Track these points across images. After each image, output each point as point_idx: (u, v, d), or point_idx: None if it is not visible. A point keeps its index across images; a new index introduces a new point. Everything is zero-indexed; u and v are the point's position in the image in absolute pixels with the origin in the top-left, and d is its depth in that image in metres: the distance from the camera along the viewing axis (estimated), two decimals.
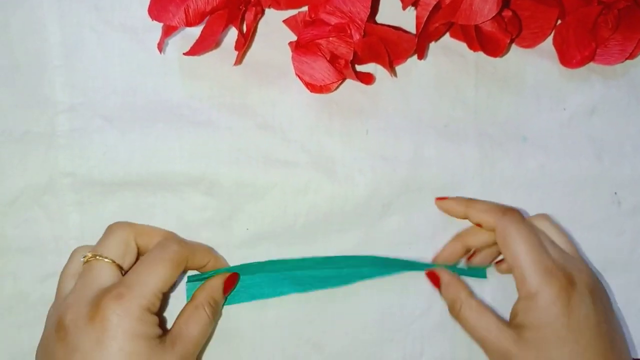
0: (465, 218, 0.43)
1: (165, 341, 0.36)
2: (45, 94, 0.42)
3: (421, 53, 0.43)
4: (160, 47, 0.41)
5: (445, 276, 0.42)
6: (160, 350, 0.35)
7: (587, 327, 0.38)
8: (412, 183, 0.44)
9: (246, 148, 0.43)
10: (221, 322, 0.43)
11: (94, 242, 0.41)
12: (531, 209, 0.45)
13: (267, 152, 0.43)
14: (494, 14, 0.40)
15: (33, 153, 0.42)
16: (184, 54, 0.41)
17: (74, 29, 0.42)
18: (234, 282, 0.41)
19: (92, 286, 0.36)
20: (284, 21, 0.43)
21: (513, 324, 0.39)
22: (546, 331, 0.38)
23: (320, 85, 0.42)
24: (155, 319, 0.36)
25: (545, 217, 0.43)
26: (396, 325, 0.44)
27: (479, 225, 0.42)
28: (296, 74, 0.42)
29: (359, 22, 0.40)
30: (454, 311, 0.41)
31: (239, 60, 0.42)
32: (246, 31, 0.41)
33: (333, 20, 0.41)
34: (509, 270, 0.43)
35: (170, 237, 0.40)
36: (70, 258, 0.39)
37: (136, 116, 0.42)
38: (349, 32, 0.41)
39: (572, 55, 0.45)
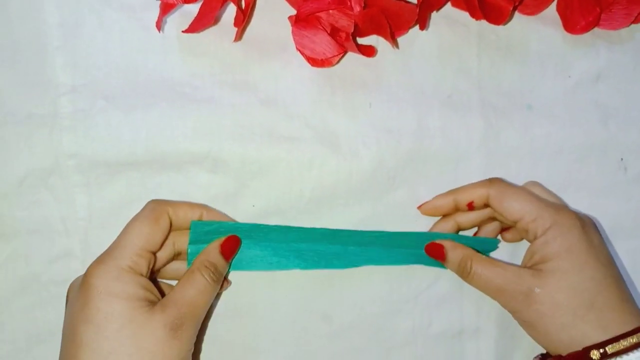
0: (454, 208, 0.43)
1: (157, 303, 0.36)
2: (47, 75, 0.42)
3: (423, 23, 0.43)
4: (159, 25, 0.41)
5: (447, 242, 0.42)
6: (145, 312, 0.35)
7: (602, 252, 0.40)
8: (417, 155, 0.44)
9: (250, 124, 0.43)
10: (231, 296, 0.43)
11: (102, 223, 0.42)
12: (537, 177, 0.45)
13: (270, 128, 0.43)
14: None
15: (37, 135, 0.42)
16: (182, 31, 0.41)
17: (72, 9, 0.42)
18: (233, 245, 0.40)
19: None
20: None
21: (529, 264, 0.41)
22: (567, 258, 0.39)
23: (322, 59, 0.42)
24: (141, 280, 0.36)
25: (535, 182, 0.44)
26: (404, 296, 0.44)
27: (470, 205, 0.42)
28: (297, 49, 0.41)
29: None
30: (465, 271, 0.41)
31: (238, 37, 0.42)
32: (245, 7, 0.41)
33: None
34: (516, 236, 0.43)
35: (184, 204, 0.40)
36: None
37: (138, 95, 0.42)
38: (349, 3, 0.40)
39: (576, 21, 0.45)
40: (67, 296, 0.39)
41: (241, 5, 0.41)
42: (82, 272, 0.42)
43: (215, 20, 0.43)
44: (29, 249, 0.42)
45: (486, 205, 0.43)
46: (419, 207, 0.44)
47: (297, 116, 0.43)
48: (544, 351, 0.41)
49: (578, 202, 0.46)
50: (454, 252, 0.42)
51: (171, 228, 0.39)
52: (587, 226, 0.41)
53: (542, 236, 0.40)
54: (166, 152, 0.42)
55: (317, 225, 0.43)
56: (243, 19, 0.41)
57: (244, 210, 0.43)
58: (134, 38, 0.42)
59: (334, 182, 0.43)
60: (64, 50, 0.42)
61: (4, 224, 0.42)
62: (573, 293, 0.38)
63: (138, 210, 0.41)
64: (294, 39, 0.41)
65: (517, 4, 0.43)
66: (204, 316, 0.39)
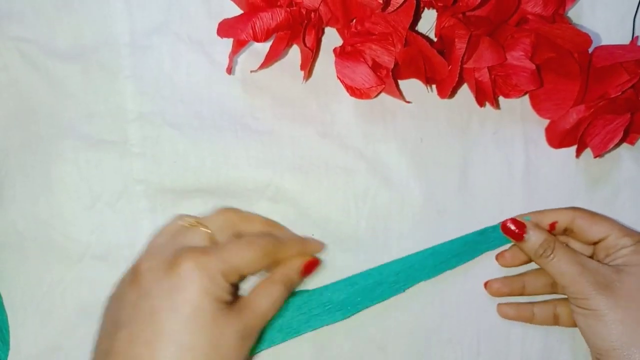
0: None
1: (233, 308, 0.37)
2: (117, 103, 0.43)
3: (444, 92, 0.44)
4: (230, 68, 0.42)
5: (528, 222, 0.43)
6: (225, 314, 0.36)
7: None
8: (464, 189, 0.46)
9: (308, 155, 0.44)
10: None
11: None
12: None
13: (327, 159, 0.45)
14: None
15: (107, 161, 0.43)
16: (251, 71, 0.43)
17: (144, 40, 0.44)
18: (313, 267, 0.41)
19: (180, 244, 0.37)
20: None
21: (612, 264, 0.42)
22: None
23: (361, 90, 0.43)
24: (229, 287, 0.37)
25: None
26: (454, 326, 0.45)
27: (552, 225, 0.44)
28: (337, 77, 0.43)
29: (402, 30, 0.41)
30: (545, 254, 0.42)
31: (306, 77, 0.44)
32: (310, 52, 0.43)
33: (378, 29, 0.42)
34: (516, 260, 0.45)
35: (270, 224, 0.41)
36: (171, 221, 0.40)
37: (203, 125, 0.44)
38: (391, 40, 0.42)
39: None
40: (137, 268, 0.37)
41: (305, 45, 0.43)
42: None
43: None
44: (93, 274, 0.42)
45: (565, 231, 0.44)
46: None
47: (352, 148, 0.45)
48: None
49: None
50: (535, 232, 0.42)
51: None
52: None
53: (632, 247, 0.42)
54: (230, 180, 0.43)
55: (374, 256, 0.44)
56: (308, 63, 0.43)
57: None
58: (200, 70, 0.44)
59: (386, 214, 0.45)
60: (134, 79, 0.43)
61: (70, 248, 0.43)
62: None
63: None
64: (336, 68, 0.43)
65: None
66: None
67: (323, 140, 0.45)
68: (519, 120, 0.47)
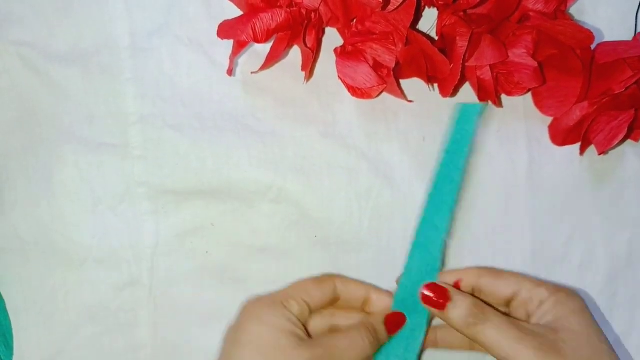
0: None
1: (305, 341, 0.36)
2: (118, 106, 0.43)
3: (446, 91, 0.44)
4: (230, 69, 0.42)
5: (452, 288, 0.39)
6: (292, 344, 0.35)
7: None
8: (468, 188, 0.46)
9: (310, 156, 0.44)
10: None
11: (168, 251, 0.43)
12: (581, 209, 0.47)
13: (329, 160, 0.44)
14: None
15: (109, 164, 0.43)
16: (252, 72, 0.43)
17: (144, 42, 0.44)
18: (396, 321, 0.40)
19: None
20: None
21: (543, 324, 0.38)
22: (579, 319, 0.37)
23: (362, 90, 0.43)
24: (290, 315, 0.37)
25: None
26: None
27: (457, 284, 0.40)
28: (339, 77, 0.43)
29: (402, 29, 0.41)
30: (473, 324, 0.37)
31: (307, 78, 0.44)
32: (311, 52, 0.43)
33: (378, 28, 0.42)
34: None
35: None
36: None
37: (204, 126, 0.44)
38: (392, 39, 0.42)
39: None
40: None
41: (305, 45, 0.43)
42: (149, 300, 0.43)
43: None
44: (96, 277, 0.42)
45: (473, 292, 0.40)
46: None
47: (354, 148, 0.45)
48: None
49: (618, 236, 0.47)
50: (461, 298, 0.38)
51: (339, 300, 0.40)
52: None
53: (551, 298, 0.38)
54: (231, 182, 0.43)
55: (378, 257, 0.44)
56: (309, 63, 0.43)
57: (306, 239, 0.44)
58: (201, 72, 0.44)
59: (390, 214, 0.45)
60: (134, 81, 0.43)
61: (72, 252, 0.43)
62: (592, 351, 0.36)
63: (203, 239, 0.43)
64: (337, 68, 0.43)
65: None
66: None
67: (325, 141, 0.45)
68: (521, 118, 0.47)
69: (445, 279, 0.40)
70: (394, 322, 0.40)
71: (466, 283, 0.40)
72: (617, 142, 0.43)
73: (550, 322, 0.37)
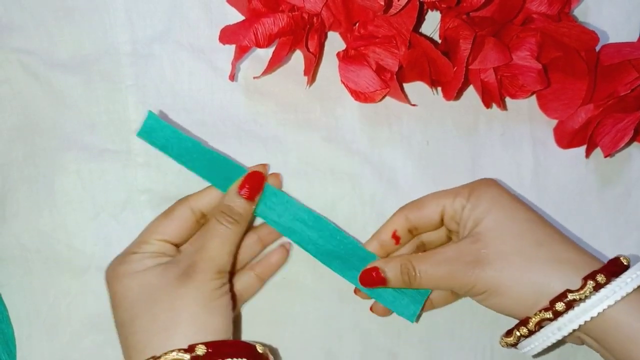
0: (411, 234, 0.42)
1: (171, 262, 0.37)
2: (119, 113, 0.43)
3: (450, 93, 0.44)
4: (232, 74, 0.42)
5: (378, 261, 0.40)
6: (158, 275, 0.36)
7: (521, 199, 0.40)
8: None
9: (313, 161, 0.44)
10: (295, 330, 0.44)
11: None
12: (587, 211, 0.46)
13: (333, 165, 0.44)
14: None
15: (111, 171, 0.43)
16: (254, 77, 0.43)
17: (144, 49, 0.44)
18: (252, 183, 0.39)
19: None
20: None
21: (466, 234, 0.39)
22: (498, 209, 0.39)
23: (365, 94, 0.43)
24: (145, 255, 0.37)
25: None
26: (466, 333, 0.45)
27: (394, 235, 0.41)
28: (341, 81, 0.43)
29: (405, 33, 0.41)
30: (412, 278, 0.38)
31: (310, 83, 0.44)
32: (313, 57, 0.42)
33: (381, 32, 0.42)
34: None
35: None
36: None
37: (207, 132, 0.43)
38: (394, 42, 0.42)
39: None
40: None
41: (308, 49, 0.43)
42: None
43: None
44: (99, 285, 0.41)
45: (412, 233, 0.41)
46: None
47: (357, 153, 0.44)
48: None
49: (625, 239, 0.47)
50: (388, 264, 0.39)
51: (204, 217, 0.40)
52: (500, 182, 0.41)
53: (467, 204, 0.39)
54: None
55: None
56: (312, 68, 0.43)
57: None
58: (202, 78, 0.44)
59: None
60: (136, 88, 0.43)
61: (74, 260, 0.42)
62: (516, 238, 0.37)
63: None
64: (340, 72, 0.42)
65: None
66: (226, 259, 0.37)
67: (328, 145, 0.44)
68: (526, 121, 0.46)
69: (382, 237, 0.41)
70: (250, 185, 0.39)
71: (400, 228, 0.41)
72: (623, 144, 0.43)
73: (472, 230, 0.38)
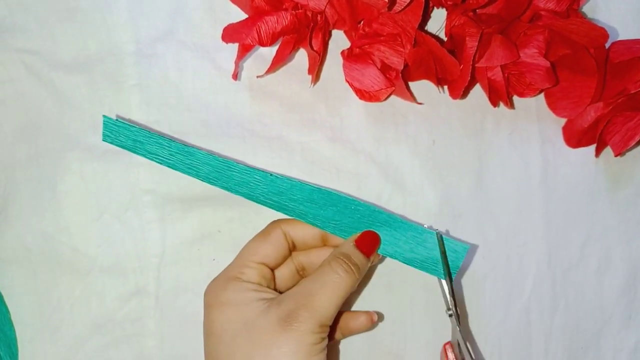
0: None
1: (274, 300, 0.35)
2: (123, 113, 0.43)
3: (466, 92, 0.43)
4: (235, 73, 0.42)
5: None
6: (260, 312, 0.35)
7: None
8: (480, 192, 0.45)
9: (319, 161, 0.43)
10: None
11: (174, 260, 0.42)
12: (597, 212, 0.46)
13: (338, 164, 0.44)
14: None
15: (114, 171, 0.42)
16: (257, 76, 0.43)
17: (148, 48, 0.43)
18: (370, 241, 0.38)
19: None
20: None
21: None
22: None
23: (370, 93, 0.42)
24: (250, 285, 0.36)
25: None
26: (473, 334, 0.44)
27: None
28: (346, 80, 0.42)
29: (410, 30, 0.40)
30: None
31: (314, 81, 0.44)
32: (318, 55, 0.42)
33: (386, 30, 0.41)
34: None
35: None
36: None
37: (211, 132, 0.43)
38: (400, 40, 0.41)
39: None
40: None
41: (311, 48, 0.42)
42: (156, 309, 0.42)
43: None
44: (102, 287, 0.41)
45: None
46: None
47: (362, 152, 0.44)
48: None
49: (636, 239, 0.46)
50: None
51: (295, 246, 0.39)
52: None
53: None
54: None
55: (391, 263, 0.43)
56: (315, 66, 0.42)
57: None
58: (206, 77, 0.43)
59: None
60: (139, 88, 0.43)
61: (77, 262, 0.42)
62: None
63: (209, 246, 0.42)
64: (344, 71, 0.42)
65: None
66: (332, 312, 0.35)
67: (333, 145, 0.44)
68: (534, 120, 0.46)
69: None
70: (367, 241, 0.38)
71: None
72: (634, 143, 0.42)
73: None
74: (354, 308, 0.44)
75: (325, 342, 0.35)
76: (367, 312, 0.40)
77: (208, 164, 0.38)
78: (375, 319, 0.40)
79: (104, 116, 0.38)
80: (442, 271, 0.39)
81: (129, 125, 0.38)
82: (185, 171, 0.39)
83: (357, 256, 0.37)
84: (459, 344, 0.39)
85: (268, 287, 0.37)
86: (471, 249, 0.44)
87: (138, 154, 0.38)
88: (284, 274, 0.39)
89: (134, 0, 0.43)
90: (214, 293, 0.36)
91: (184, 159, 0.38)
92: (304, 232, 0.39)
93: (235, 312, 0.35)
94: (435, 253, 0.39)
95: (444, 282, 0.39)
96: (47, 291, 0.42)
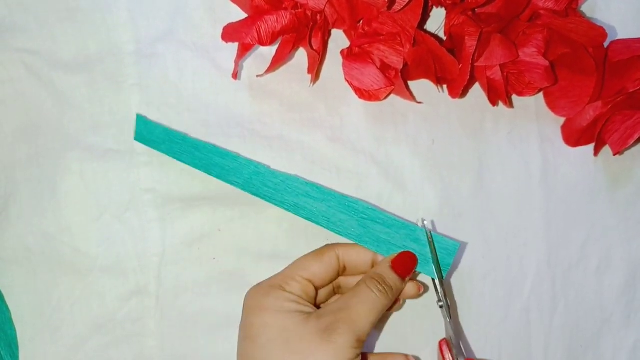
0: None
1: (313, 314, 0.36)
2: (123, 113, 0.43)
3: (465, 91, 0.44)
4: (235, 72, 0.42)
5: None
6: (299, 322, 0.35)
7: None
8: (480, 192, 0.45)
9: (319, 160, 0.44)
10: None
11: (175, 259, 0.42)
12: (596, 212, 0.46)
13: (338, 164, 0.44)
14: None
15: (115, 171, 0.42)
16: (257, 76, 0.43)
17: (148, 48, 0.43)
18: (406, 262, 0.38)
19: None
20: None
21: None
22: None
23: (370, 92, 0.43)
24: (292, 296, 0.36)
25: None
26: (474, 333, 0.44)
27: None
28: (345, 79, 0.42)
29: (410, 29, 0.41)
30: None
31: (313, 81, 0.44)
32: (317, 55, 0.42)
33: (385, 29, 0.42)
34: None
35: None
36: None
37: (211, 132, 0.43)
38: (399, 40, 0.41)
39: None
40: None
41: (311, 47, 0.43)
42: (156, 309, 0.42)
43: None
44: (103, 286, 0.41)
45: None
46: None
47: (362, 152, 0.44)
48: None
49: (636, 238, 0.46)
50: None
51: (345, 270, 0.39)
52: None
53: None
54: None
55: None
56: (315, 66, 0.42)
57: (317, 245, 0.43)
58: (206, 77, 0.43)
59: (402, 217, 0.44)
60: (139, 88, 0.43)
61: (78, 262, 0.42)
62: None
63: (210, 245, 0.42)
64: (344, 70, 0.42)
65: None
66: (368, 328, 0.36)
67: (333, 145, 0.44)
68: (534, 119, 0.46)
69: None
70: (403, 263, 0.38)
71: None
72: (632, 141, 0.42)
73: None
74: None
75: (359, 359, 0.36)
76: (405, 355, 0.40)
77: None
78: None
79: (138, 115, 0.40)
80: (433, 268, 0.39)
81: (160, 126, 0.40)
82: (213, 174, 0.41)
83: (392, 278, 0.38)
84: (451, 340, 0.39)
85: (309, 302, 0.37)
86: (462, 247, 0.44)
87: (167, 154, 0.41)
88: (322, 290, 0.39)
89: (134, 0, 0.43)
90: (255, 298, 0.37)
91: (208, 161, 0.41)
92: (357, 257, 0.39)
93: (274, 319, 0.35)
94: (427, 250, 0.39)
95: (436, 273, 0.39)
96: (48, 291, 0.42)
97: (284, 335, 0.35)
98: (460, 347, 0.39)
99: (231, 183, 0.41)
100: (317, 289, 0.38)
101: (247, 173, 0.40)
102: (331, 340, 0.34)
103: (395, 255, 0.39)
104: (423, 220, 0.39)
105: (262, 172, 0.40)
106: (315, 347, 0.34)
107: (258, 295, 0.37)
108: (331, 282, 0.39)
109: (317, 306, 0.39)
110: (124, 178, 0.42)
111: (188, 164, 0.41)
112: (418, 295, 0.40)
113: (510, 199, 0.45)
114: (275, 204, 0.40)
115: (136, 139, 0.42)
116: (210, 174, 0.41)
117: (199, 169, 0.41)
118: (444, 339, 0.40)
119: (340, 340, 0.34)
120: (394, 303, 0.39)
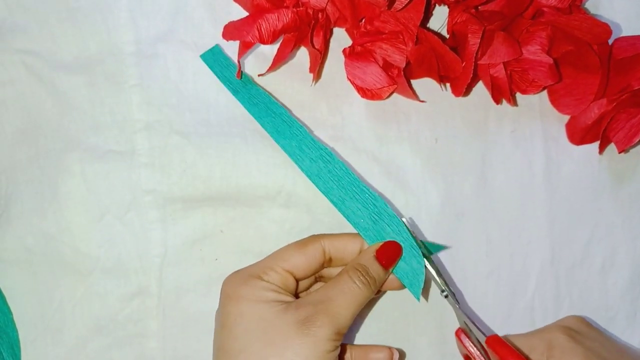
0: None
1: (292, 303, 0.35)
2: (123, 113, 0.43)
3: (459, 90, 0.43)
4: (238, 71, 0.42)
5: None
6: (277, 312, 0.34)
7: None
8: (483, 191, 0.44)
9: None
10: None
11: (176, 260, 0.42)
12: (597, 209, 0.46)
13: None
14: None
15: (116, 172, 0.42)
16: (259, 75, 0.43)
17: (148, 49, 0.43)
18: (390, 252, 0.37)
19: None
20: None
21: None
22: None
23: (372, 91, 0.42)
24: (271, 285, 0.36)
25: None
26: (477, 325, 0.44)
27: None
28: (347, 78, 0.42)
29: (412, 28, 0.40)
30: None
31: (315, 80, 0.44)
32: (319, 53, 0.42)
33: (388, 28, 0.41)
34: None
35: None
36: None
37: (212, 132, 0.43)
38: (402, 38, 0.41)
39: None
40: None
41: (312, 46, 0.42)
42: (158, 310, 0.42)
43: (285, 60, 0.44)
44: (104, 288, 0.41)
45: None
46: None
47: (364, 151, 0.44)
48: None
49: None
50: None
51: (331, 261, 0.38)
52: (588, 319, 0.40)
53: None
54: (240, 187, 0.42)
55: None
56: (317, 65, 0.42)
57: None
58: (207, 77, 0.43)
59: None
60: (140, 88, 0.43)
61: (79, 263, 0.42)
62: None
63: (212, 246, 0.42)
64: (346, 69, 0.42)
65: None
66: (348, 321, 0.35)
67: (335, 144, 0.44)
68: (537, 117, 0.45)
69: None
70: (387, 253, 0.37)
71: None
72: (638, 139, 0.42)
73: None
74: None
75: (338, 351, 0.35)
76: (389, 348, 0.40)
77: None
78: (396, 358, 0.40)
79: (216, 45, 0.43)
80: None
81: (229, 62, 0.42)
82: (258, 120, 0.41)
83: (375, 268, 0.37)
84: (467, 325, 0.38)
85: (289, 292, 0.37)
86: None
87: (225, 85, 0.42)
88: (306, 287, 0.39)
89: (134, 1, 0.43)
90: (232, 286, 0.36)
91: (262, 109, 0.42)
92: (344, 248, 0.38)
93: (252, 308, 0.35)
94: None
95: (430, 267, 0.38)
96: (49, 292, 0.42)
97: (261, 325, 0.34)
98: (478, 328, 0.38)
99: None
100: (297, 281, 0.37)
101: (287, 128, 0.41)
102: (310, 332, 0.33)
103: (380, 244, 0.38)
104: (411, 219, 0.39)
105: (305, 137, 0.40)
106: (292, 338, 0.33)
107: (235, 284, 0.36)
108: (314, 274, 0.38)
109: (297, 295, 0.38)
110: (125, 179, 0.42)
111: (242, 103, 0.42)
112: (401, 287, 0.39)
113: (514, 197, 0.45)
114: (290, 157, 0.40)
115: (202, 56, 0.43)
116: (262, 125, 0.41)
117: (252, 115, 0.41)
118: (459, 328, 0.39)
119: (319, 332, 0.34)
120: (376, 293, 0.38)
